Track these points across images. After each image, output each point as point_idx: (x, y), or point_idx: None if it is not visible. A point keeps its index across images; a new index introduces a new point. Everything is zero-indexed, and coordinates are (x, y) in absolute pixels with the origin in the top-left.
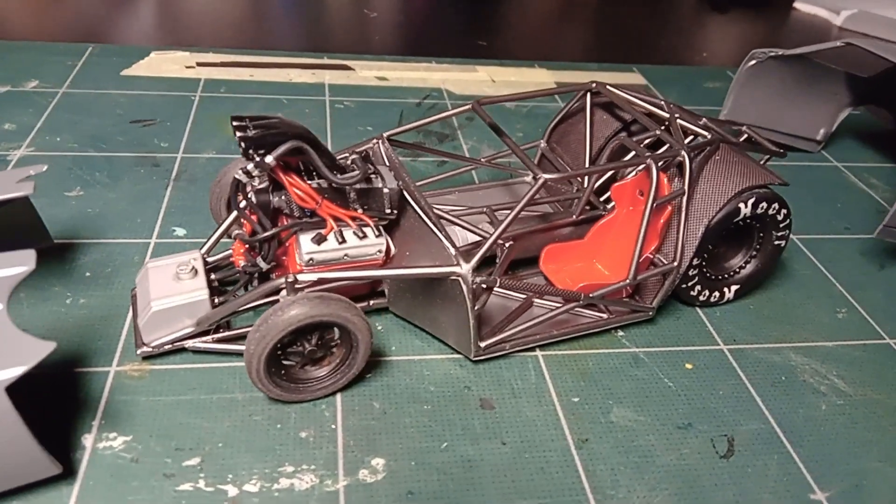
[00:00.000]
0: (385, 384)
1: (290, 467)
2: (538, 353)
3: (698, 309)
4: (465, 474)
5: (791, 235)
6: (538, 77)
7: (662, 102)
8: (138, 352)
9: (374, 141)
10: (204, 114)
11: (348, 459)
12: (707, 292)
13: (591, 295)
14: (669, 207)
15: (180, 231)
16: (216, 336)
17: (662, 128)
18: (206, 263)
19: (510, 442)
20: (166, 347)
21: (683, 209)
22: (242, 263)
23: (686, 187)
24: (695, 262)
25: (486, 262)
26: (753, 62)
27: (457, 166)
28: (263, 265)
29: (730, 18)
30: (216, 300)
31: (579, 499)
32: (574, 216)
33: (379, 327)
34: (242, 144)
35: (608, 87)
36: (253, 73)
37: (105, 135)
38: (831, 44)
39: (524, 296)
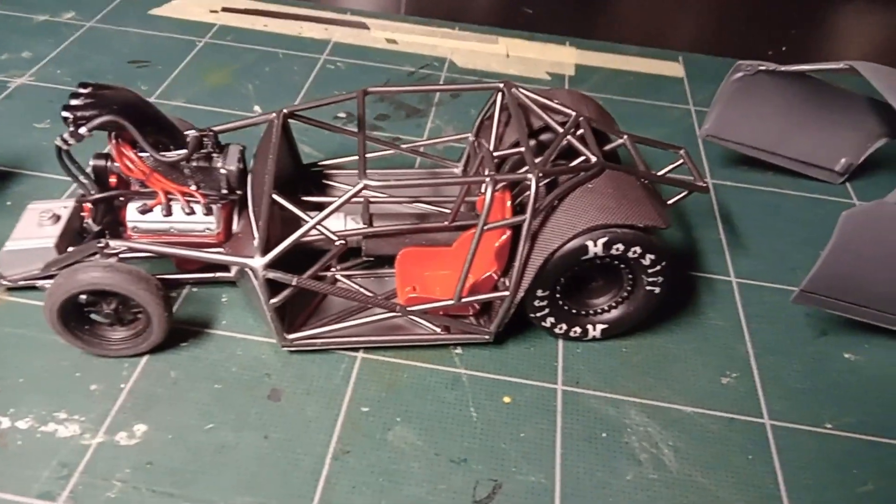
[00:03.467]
0: (194, 356)
1: (64, 414)
2: (360, 355)
3: (561, 342)
4: (211, 458)
5: (733, 279)
6: (561, 56)
7: (574, 114)
8: None
9: (273, 115)
10: (198, 61)
11: (116, 420)
12: (565, 326)
13: (409, 308)
14: (508, 232)
15: None
16: None
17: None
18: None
19: (273, 438)
20: (21, 283)
21: (524, 236)
22: (87, 221)
23: (528, 214)
24: (541, 293)
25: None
26: (740, 74)
27: (376, 149)
28: (93, 226)
29: (858, 9)
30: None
31: None
32: (447, 222)
33: (224, 299)
34: (64, 113)
35: (514, 90)
36: (268, 22)
37: (99, 72)
38: (832, 64)
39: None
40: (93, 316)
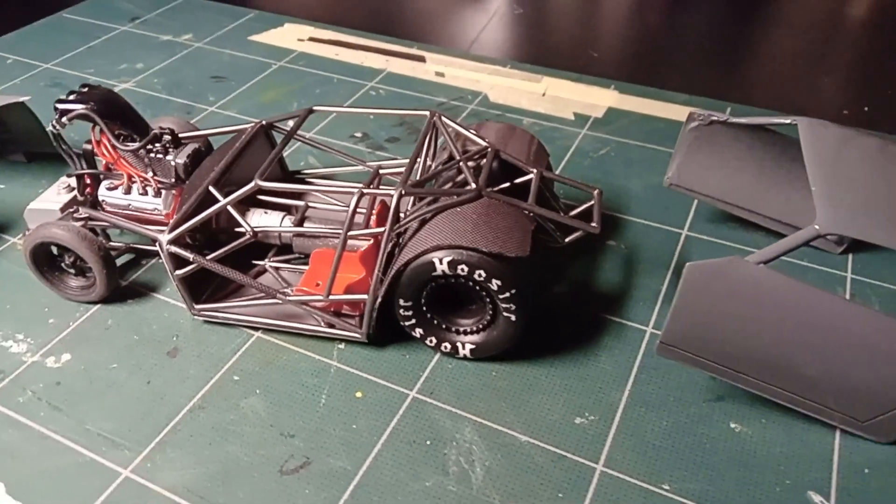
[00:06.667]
0: (132, 311)
1: (22, 336)
2: (257, 334)
3: (437, 356)
4: (101, 390)
5: (649, 329)
6: (598, 98)
7: (484, 146)
8: (22, 234)
9: (254, 123)
10: (265, 80)
11: (53, 348)
12: (435, 339)
13: (287, 298)
14: (372, 241)
15: None
16: None
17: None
18: None
19: (153, 384)
20: None
21: (381, 246)
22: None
23: (387, 226)
24: (404, 302)
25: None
26: (695, 124)
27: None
28: (79, 196)
29: None
30: None
31: (138, 448)
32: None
33: None
34: (55, 105)
35: (436, 119)
36: (339, 52)
37: (184, 83)
38: (780, 118)
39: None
40: (62, 265)
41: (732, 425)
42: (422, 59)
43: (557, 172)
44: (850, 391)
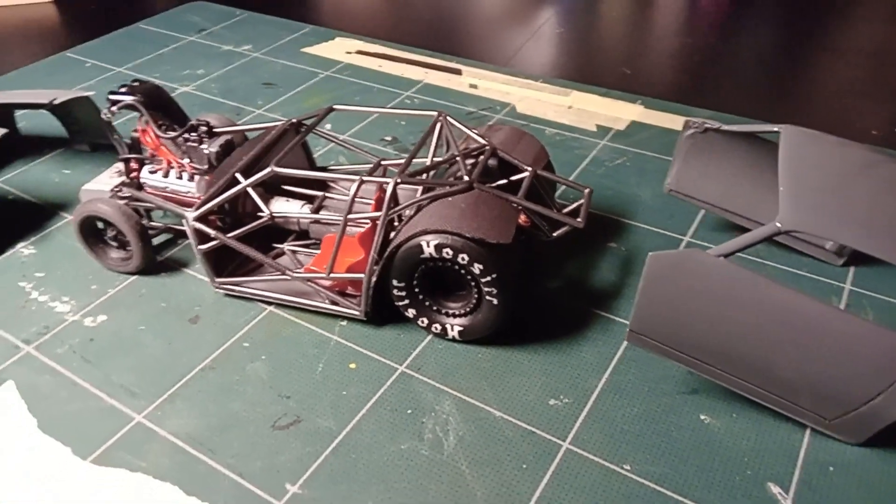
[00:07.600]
0: (163, 283)
1: (67, 298)
2: (270, 308)
3: (429, 337)
4: (128, 348)
5: None
6: (622, 112)
7: (482, 144)
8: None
9: (285, 121)
10: (311, 87)
11: (92, 309)
12: (426, 320)
13: (293, 275)
14: (370, 224)
15: None
16: None
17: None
18: None
19: (173, 346)
20: None
21: (377, 230)
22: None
23: (383, 212)
24: (397, 283)
25: None
26: (690, 132)
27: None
28: (126, 178)
29: None
30: None
31: (152, 398)
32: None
33: None
34: (108, 96)
35: (442, 119)
36: (382, 64)
37: (237, 89)
38: (767, 126)
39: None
40: (106, 238)
41: (702, 417)
42: (458, 72)
43: (571, 179)
44: (816, 389)
